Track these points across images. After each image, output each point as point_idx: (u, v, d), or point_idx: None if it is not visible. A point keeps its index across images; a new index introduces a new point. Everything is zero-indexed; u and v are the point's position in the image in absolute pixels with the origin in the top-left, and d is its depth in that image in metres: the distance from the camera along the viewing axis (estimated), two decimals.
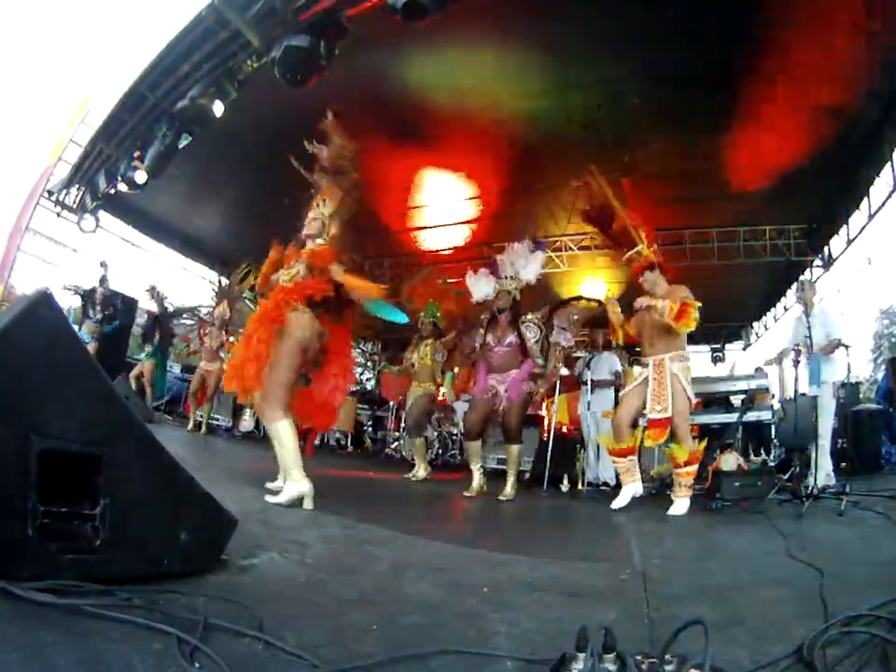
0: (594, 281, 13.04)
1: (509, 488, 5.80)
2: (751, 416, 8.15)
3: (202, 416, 9.50)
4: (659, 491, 6.45)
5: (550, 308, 6.21)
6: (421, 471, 7.10)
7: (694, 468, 5.19)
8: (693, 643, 1.32)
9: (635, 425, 5.47)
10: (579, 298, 6.49)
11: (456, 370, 7.50)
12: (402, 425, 10.30)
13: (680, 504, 4.98)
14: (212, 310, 10.31)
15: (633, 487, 5.20)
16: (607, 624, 1.29)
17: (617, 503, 5.10)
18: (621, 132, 8.53)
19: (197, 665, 1.27)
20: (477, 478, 6.02)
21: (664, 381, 5.07)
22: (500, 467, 8.42)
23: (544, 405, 9.22)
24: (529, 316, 6.05)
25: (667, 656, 1.20)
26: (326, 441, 11.89)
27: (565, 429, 8.32)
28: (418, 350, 7.45)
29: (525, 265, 6.15)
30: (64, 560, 1.60)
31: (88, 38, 65.39)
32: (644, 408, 5.28)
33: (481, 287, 6.36)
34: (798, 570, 2.58)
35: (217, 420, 10.65)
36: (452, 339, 7.14)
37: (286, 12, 6.57)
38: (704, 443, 5.37)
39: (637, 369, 5.68)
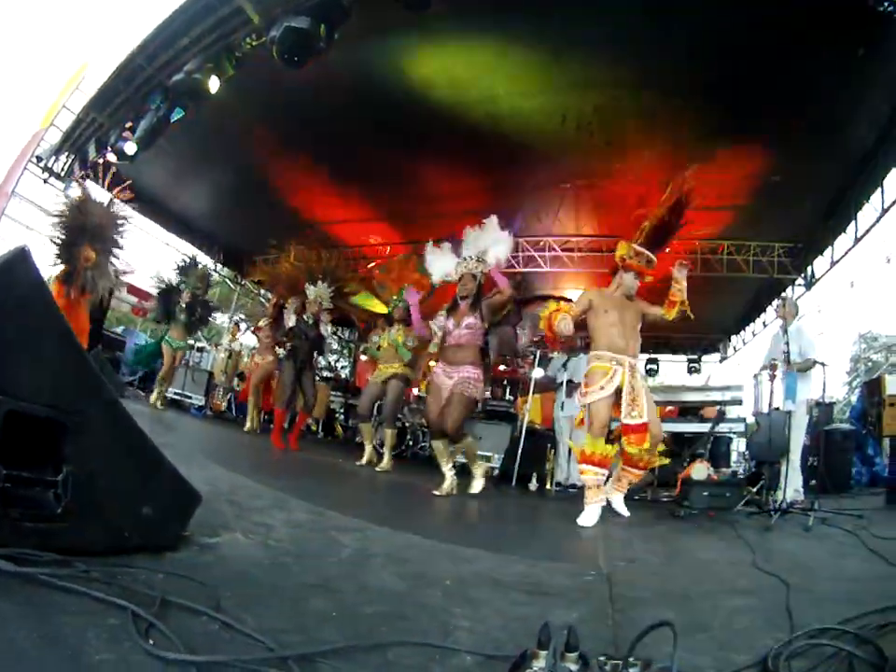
0: (575, 283, 13.08)
1: (476, 482, 5.63)
2: (723, 428, 8.24)
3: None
4: (626, 495, 6.47)
5: (519, 300, 5.99)
6: (385, 462, 6.88)
7: (646, 472, 5.24)
8: (657, 647, 1.32)
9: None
10: (549, 297, 6.24)
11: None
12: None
13: (619, 499, 5.07)
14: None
15: (598, 510, 4.65)
16: (570, 624, 1.28)
17: (583, 521, 4.53)
18: (615, 136, 8.54)
19: (152, 641, 1.24)
20: (448, 479, 5.50)
21: (636, 385, 4.82)
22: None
23: (517, 403, 9.26)
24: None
25: (631, 658, 1.19)
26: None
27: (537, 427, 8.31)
28: (388, 333, 7.33)
29: (490, 245, 5.66)
30: (24, 527, 1.57)
31: (89, 3, 64.67)
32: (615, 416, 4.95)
33: (442, 264, 5.91)
34: (764, 581, 2.59)
35: (190, 398, 10.53)
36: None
37: None
38: (660, 448, 5.32)
39: (596, 363, 5.24)
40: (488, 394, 11.41)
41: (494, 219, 5.74)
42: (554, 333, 5.01)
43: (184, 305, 9.35)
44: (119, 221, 7.11)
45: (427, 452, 10.46)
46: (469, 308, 5.53)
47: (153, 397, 9.13)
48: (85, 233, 6.75)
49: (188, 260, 10.33)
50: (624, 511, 4.99)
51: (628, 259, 5.11)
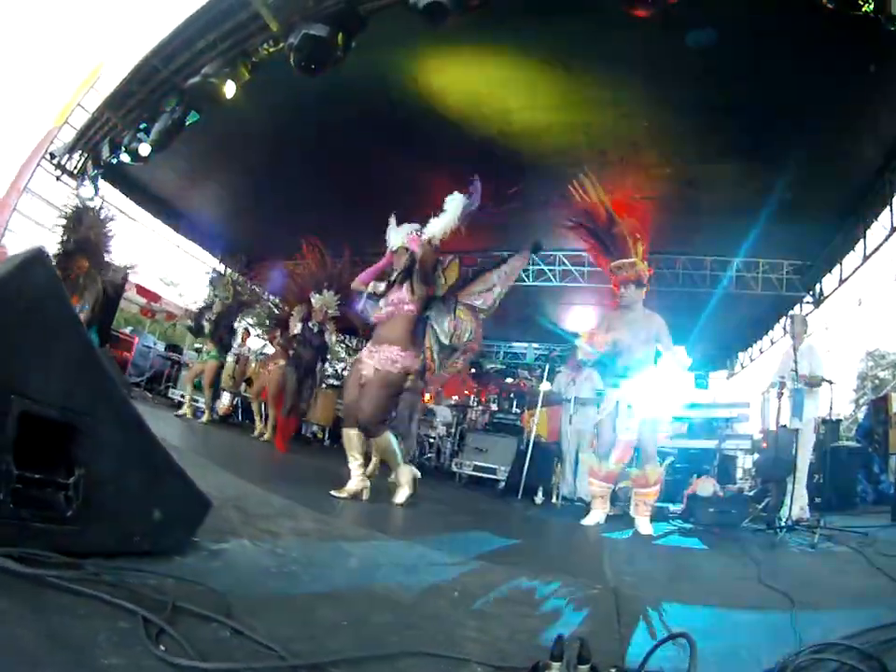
0: (583, 299, 13.11)
1: (401, 490, 4.75)
2: (730, 445, 8.22)
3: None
4: (627, 511, 6.46)
5: (460, 278, 5.21)
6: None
7: (658, 487, 5.28)
8: (664, 661, 1.31)
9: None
10: (488, 270, 5.30)
11: None
12: None
13: (645, 522, 5.10)
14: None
15: (601, 514, 5.31)
16: (581, 637, 1.27)
17: (586, 521, 5.26)
18: (626, 153, 8.54)
19: (162, 647, 1.23)
20: (354, 478, 4.64)
21: (634, 403, 5.15)
22: (476, 474, 8.38)
23: (524, 416, 9.26)
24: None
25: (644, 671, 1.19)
26: (302, 432, 11.78)
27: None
28: None
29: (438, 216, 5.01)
30: (35, 528, 1.55)
31: (107, 3, 65.20)
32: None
33: (395, 239, 5.05)
34: (769, 597, 2.59)
35: (197, 402, 10.52)
36: None
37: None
38: (667, 462, 5.50)
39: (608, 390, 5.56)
40: (495, 406, 11.40)
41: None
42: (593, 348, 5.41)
43: (213, 317, 9.36)
44: (110, 233, 8.21)
45: (432, 463, 10.45)
46: (398, 283, 4.86)
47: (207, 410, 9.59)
48: (80, 244, 7.75)
49: (214, 274, 10.46)
50: (650, 531, 5.06)
51: (615, 277, 5.57)
